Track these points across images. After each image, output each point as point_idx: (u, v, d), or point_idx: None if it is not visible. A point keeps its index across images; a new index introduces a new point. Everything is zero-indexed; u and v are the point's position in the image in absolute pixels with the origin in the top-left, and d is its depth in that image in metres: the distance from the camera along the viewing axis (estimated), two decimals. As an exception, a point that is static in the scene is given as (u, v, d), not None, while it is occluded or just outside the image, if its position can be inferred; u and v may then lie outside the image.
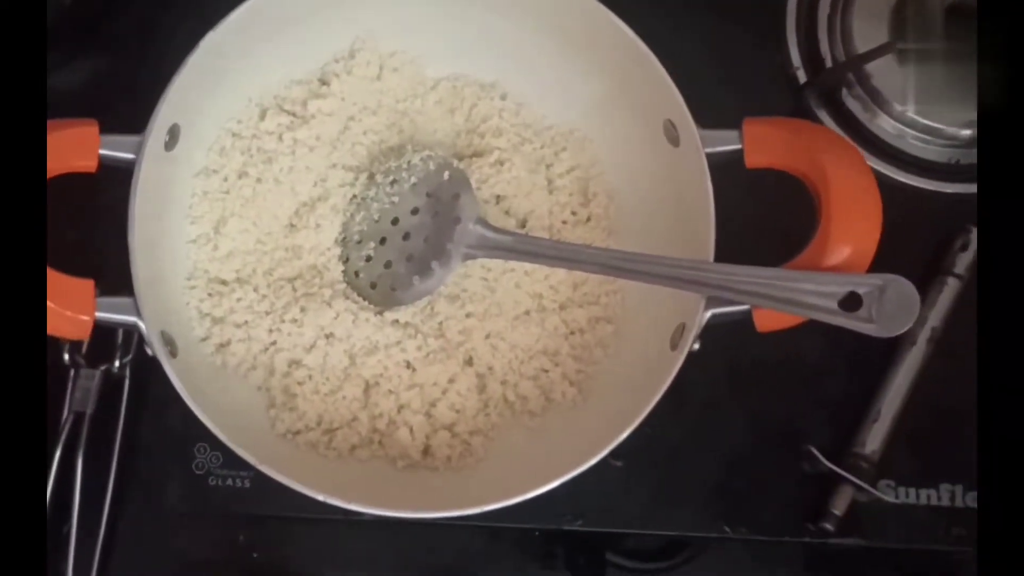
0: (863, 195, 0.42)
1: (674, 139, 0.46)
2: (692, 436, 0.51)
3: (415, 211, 0.48)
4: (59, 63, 0.55)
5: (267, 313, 0.47)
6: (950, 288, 0.52)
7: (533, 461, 0.46)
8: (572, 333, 0.49)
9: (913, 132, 0.55)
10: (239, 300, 0.47)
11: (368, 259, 0.48)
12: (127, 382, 0.51)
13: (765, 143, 0.44)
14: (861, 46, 0.55)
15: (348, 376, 0.47)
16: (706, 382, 0.51)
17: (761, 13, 0.57)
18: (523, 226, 0.50)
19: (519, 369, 0.49)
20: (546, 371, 0.49)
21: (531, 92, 0.51)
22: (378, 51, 0.51)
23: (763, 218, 0.49)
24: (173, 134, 0.45)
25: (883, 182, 0.44)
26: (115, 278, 0.43)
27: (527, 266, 0.49)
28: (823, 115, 0.55)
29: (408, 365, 0.48)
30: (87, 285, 0.42)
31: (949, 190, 0.54)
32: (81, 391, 0.50)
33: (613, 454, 0.48)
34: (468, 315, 0.48)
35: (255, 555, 0.52)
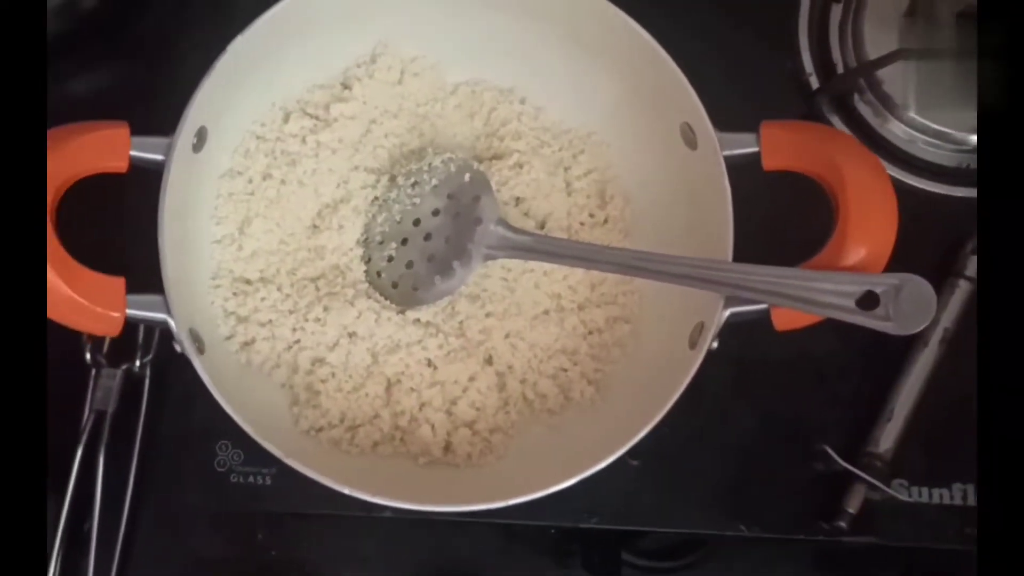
0: (880, 196, 0.43)
1: (691, 142, 0.47)
2: (707, 435, 0.52)
3: (436, 212, 0.49)
4: (82, 68, 0.56)
5: (291, 312, 0.48)
6: (961, 290, 0.53)
7: (552, 458, 0.46)
8: (590, 333, 0.50)
9: (924, 137, 0.55)
10: (263, 299, 0.48)
11: (390, 259, 0.49)
12: (147, 381, 0.52)
13: (782, 146, 0.44)
14: (872, 52, 0.55)
15: (371, 374, 0.48)
16: (721, 382, 0.51)
17: (773, 20, 0.58)
18: (542, 227, 0.50)
19: (538, 368, 0.49)
20: (565, 370, 0.49)
21: (549, 96, 0.52)
22: (399, 56, 0.51)
23: (779, 220, 0.50)
24: (201, 136, 0.45)
25: (894, 186, 0.44)
26: (142, 277, 0.43)
27: (546, 266, 0.49)
28: (835, 120, 0.56)
29: (429, 363, 0.48)
30: (118, 283, 0.43)
31: (959, 194, 0.55)
32: (102, 390, 0.51)
33: (630, 453, 0.48)
34: (488, 315, 0.49)
35: (273, 553, 0.52)
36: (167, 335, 0.51)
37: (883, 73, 0.55)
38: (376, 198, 0.50)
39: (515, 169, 0.50)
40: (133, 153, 0.43)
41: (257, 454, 0.49)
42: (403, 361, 0.48)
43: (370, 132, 0.51)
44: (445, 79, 0.52)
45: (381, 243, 0.49)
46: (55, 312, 0.41)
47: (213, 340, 0.46)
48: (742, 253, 0.44)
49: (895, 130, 0.56)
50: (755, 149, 0.44)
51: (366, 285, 0.49)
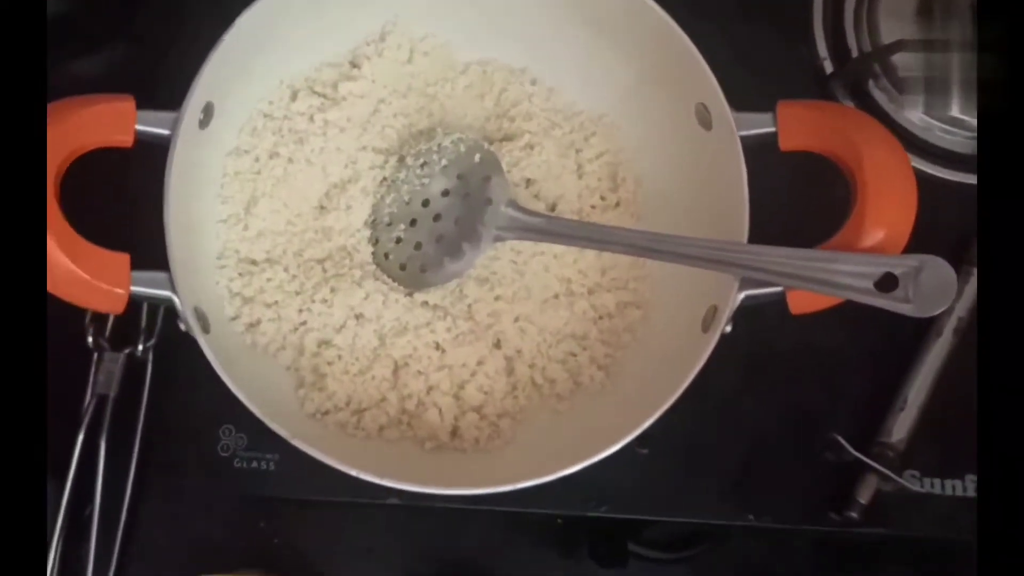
0: (898, 177, 0.42)
1: (706, 122, 0.46)
2: (717, 424, 0.51)
3: (445, 193, 0.48)
4: (90, 47, 0.55)
5: (297, 293, 0.47)
6: (976, 279, 0.52)
7: (561, 444, 0.46)
8: (600, 318, 0.49)
9: (939, 124, 0.55)
10: (269, 280, 0.47)
11: (398, 241, 0.48)
12: (150, 366, 0.51)
13: (800, 126, 0.44)
14: (887, 37, 0.55)
15: (377, 357, 0.47)
16: (732, 371, 0.50)
17: (788, 4, 0.57)
18: (552, 210, 0.50)
19: (547, 352, 0.49)
20: (574, 355, 0.49)
21: (561, 77, 0.51)
22: (409, 35, 0.51)
23: (795, 202, 0.49)
24: (207, 112, 0.45)
25: (910, 173, 0.44)
26: (146, 255, 0.43)
27: (556, 250, 0.49)
28: (849, 106, 0.55)
29: (437, 347, 0.48)
30: (123, 259, 0.42)
31: (975, 181, 0.54)
32: (105, 374, 0.51)
33: (638, 442, 0.47)
34: (497, 298, 0.48)
35: (276, 541, 0.52)
36: (170, 319, 0.51)
37: (899, 58, 0.54)
38: (385, 179, 0.50)
39: (526, 150, 0.50)
40: (139, 127, 0.43)
41: (261, 439, 0.50)
42: (411, 344, 0.47)
43: (379, 111, 0.50)
44: (455, 58, 0.52)
45: (389, 224, 0.49)
46: (58, 288, 0.41)
47: (218, 321, 0.46)
48: (756, 237, 0.44)
49: (910, 117, 0.55)
50: (772, 129, 0.44)
51: (374, 267, 0.49)
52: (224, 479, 0.50)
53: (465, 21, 0.51)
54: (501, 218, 0.46)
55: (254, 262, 0.48)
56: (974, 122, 0.54)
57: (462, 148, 0.48)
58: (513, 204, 0.47)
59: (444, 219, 0.48)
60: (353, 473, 0.41)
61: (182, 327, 0.43)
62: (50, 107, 0.41)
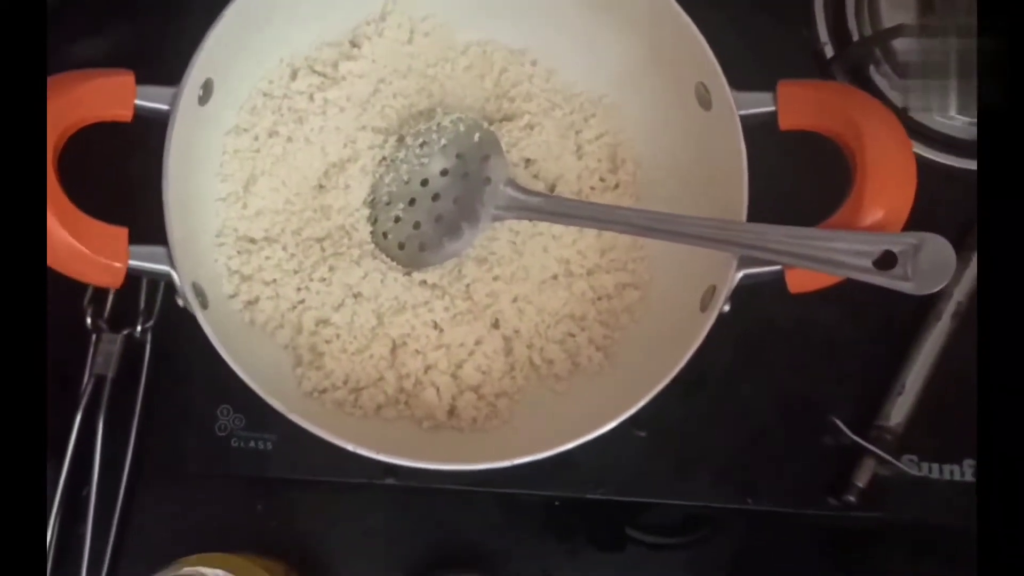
0: (898, 156, 0.42)
1: (706, 102, 0.46)
2: (715, 408, 0.51)
3: (444, 172, 0.48)
4: (89, 31, 0.55)
5: (295, 272, 0.47)
6: (975, 264, 0.52)
7: (559, 423, 0.46)
8: (599, 298, 0.49)
9: (939, 109, 0.55)
10: (267, 258, 0.47)
11: (397, 220, 0.48)
12: (149, 347, 0.51)
13: (799, 104, 0.44)
14: (888, 22, 0.55)
15: (375, 335, 0.47)
16: (730, 354, 0.51)
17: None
18: (551, 191, 0.50)
19: (545, 333, 0.48)
20: (572, 335, 0.49)
21: (561, 58, 0.51)
22: (409, 15, 0.51)
23: (794, 182, 0.49)
24: (207, 88, 0.45)
25: (909, 158, 0.44)
26: (145, 232, 0.43)
27: (555, 230, 0.49)
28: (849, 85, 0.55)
29: (435, 326, 0.48)
30: (121, 232, 0.42)
31: (974, 167, 0.54)
32: (103, 355, 0.50)
33: (636, 425, 0.48)
34: (495, 278, 0.48)
35: (273, 523, 0.51)
36: (169, 301, 0.51)
37: (900, 43, 0.54)
38: (384, 158, 0.49)
39: (525, 130, 0.50)
40: (138, 102, 0.42)
41: (259, 419, 0.50)
42: (409, 323, 0.47)
43: (379, 91, 0.50)
44: (455, 39, 0.51)
45: (388, 204, 0.49)
46: (55, 260, 0.41)
47: (216, 298, 0.46)
48: (755, 217, 0.44)
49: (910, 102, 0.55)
50: (771, 108, 0.44)
51: (372, 246, 0.49)
52: (222, 459, 0.50)
53: (465, 2, 0.51)
54: (500, 197, 0.46)
55: (253, 240, 0.48)
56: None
57: (461, 128, 0.48)
58: (512, 184, 0.47)
59: (443, 198, 0.48)
60: (350, 448, 0.41)
61: (180, 303, 0.43)
62: (49, 80, 0.41)
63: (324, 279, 0.47)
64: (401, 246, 0.48)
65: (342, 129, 0.49)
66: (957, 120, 0.55)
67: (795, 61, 0.56)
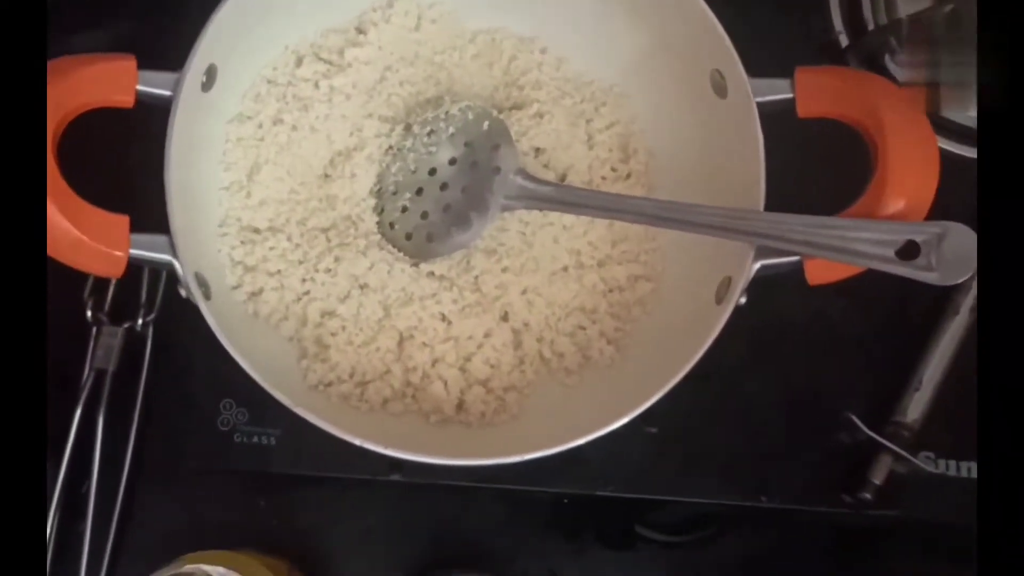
0: (921, 143, 0.41)
1: (721, 90, 0.45)
2: (728, 403, 0.50)
3: (453, 161, 0.47)
4: (91, 23, 0.54)
5: (300, 262, 0.47)
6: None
7: (569, 418, 0.45)
8: (611, 291, 0.48)
9: (956, 99, 0.54)
10: (272, 248, 0.46)
11: (404, 210, 0.47)
12: (150, 340, 0.51)
13: (818, 91, 0.43)
14: (904, 10, 0.54)
15: (382, 327, 0.46)
16: (744, 349, 0.50)
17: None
18: (562, 181, 0.49)
19: (555, 326, 0.48)
20: (583, 328, 0.48)
21: (571, 46, 0.50)
22: (416, 1, 0.50)
23: (811, 171, 0.48)
24: (210, 75, 0.44)
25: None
26: (146, 221, 0.42)
27: (565, 221, 0.48)
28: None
29: (443, 318, 0.47)
30: (122, 220, 0.41)
31: (992, 158, 0.54)
32: (103, 348, 0.50)
33: (647, 421, 0.47)
34: (504, 269, 0.47)
35: (275, 521, 0.51)
36: (171, 293, 0.50)
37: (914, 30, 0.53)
38: (390, 147, 0.49)
39: (535, 119, 0.49)
40: (140, 88, 0.42)
41: (262, 414, 0.49)
42: (416, 315, 0.46)
43: (385, 79, 0.49)
44: (463, 26, 0.51)
45: (395, 193, 0.48)
46: (55, 249, 0.40)
47: (219, 290, 0.45)
48: (772, 207, 0.43)
49: (926, 92, 0.54)
50: (789, 96, 0.43)
51: (379, 236, 0.48)
52: (224, 455, 0.49)
53: (474, -12, 0.50)
54: (510, 187, 0.46)
55: (257, 230, 0.47)
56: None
57: (470, 116, 0.47)
58: (522, 173, 0.46)
59: (451, 188, 0.47)
60: (357, 442, 0.40)
61: (183, 293, 0.42)
62: (49, 64, 0.40)
63: (330, 270, 0.46)
64: (408, 236, 0.47)
65: (348, 117, 0.48)
66: (973, 111, 0.54)
67: (809, 51, 0.55)
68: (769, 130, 0.43)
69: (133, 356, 0.50)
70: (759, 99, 0.43)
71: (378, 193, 0.48)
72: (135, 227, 0.41)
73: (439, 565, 0.50)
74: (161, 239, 0.41)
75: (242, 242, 0.47)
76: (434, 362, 0.46)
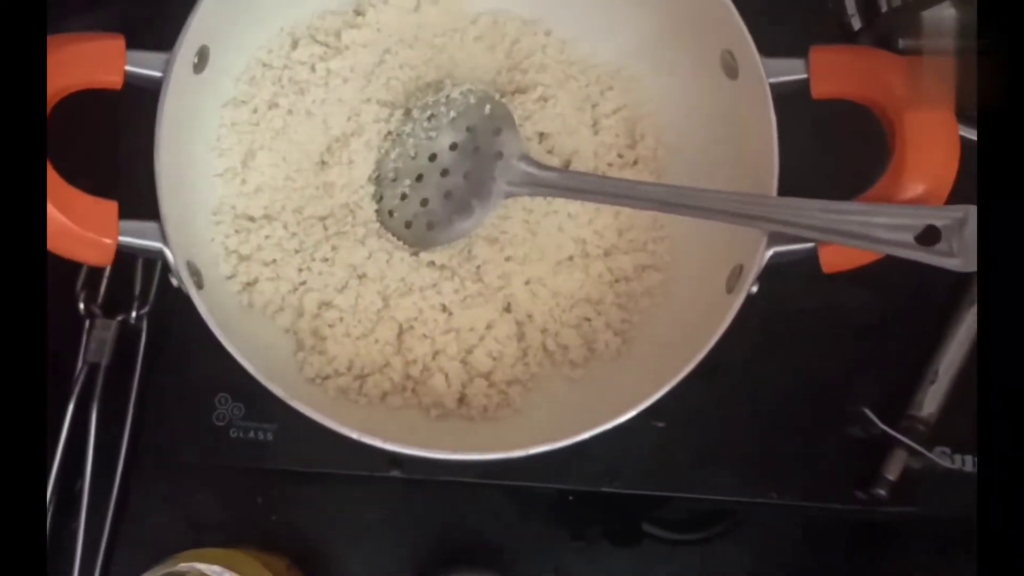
0: (940, 124, 0.40)
1: (732, 71, 0.44)
2: (737, 397, 0.49)
3: (454, 146, 0.46)
4: (79, 8, 0.53)
5: (296, 251, 0.46)
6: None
7: (573, 413, 0.44)
8: (617, 281, 0.47)
9: (972, 84, 0.53)
10: (267, 237, 0.45)
11: (403, 197, 0.46)
12: (144, 334, 0.50)
13: (833, 71, 0.42)
14: (918, -8, 0.53)
15: (381, 319, 0.45)
16: (754, 341, 0.48)
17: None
18: (567, 167, 0.48)
19: (560, 317, 0.47)
20: (588, 320, 0.47)
21: (576, 28, 0.49)
22: (416, -19, 0.49)
23: (826, 155, 0.47)
24: (202, 56, 0.43)
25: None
26: (136, 208, 0.41)
27: (571, 209, 0.47)
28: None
29: (444, 309, 0.46)
30: (110, 206, 0.40)
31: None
32: (96, 342, 0.49)
33: (655, 415, 0.46)
34: (507, 259, 0.46)
35: (273, 518, 0.50)
36: (165, 285, 0.49)
37: (929, 15, 0.52)
38: (389, 132, 0.48)
39: (539, 103, 0.48)
40: (128, 68, 0.40)
41: (258, 408, 0.48)
42: (416, 306, 0.45)
43: (384, 62, 0.48)
44: (465, 8, 0.49)
45: (394, 180, 0.47)
46: (41, 236, 0.39)
47: (213, 279, 0.44)
48: (785, 194, 0.42)
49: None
50: (803, 76, 0.42)
51: (377, 225, 0.47)
52: (220, 450, 0.48)
53: (475, -32, 0.49)
54: (513, 173, 0.44)
55: (251, 218, 0.46)
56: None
57: (472, 100, 0.46)
58: (526, 158, 0.45)
59: (452, 174, 0.46)
60: (355, 436, 0.39)
61: (174, 282, 0.41)
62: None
63: (327, 259, 0.45)
64: (408, 225, 0.46)
65: (345, 101, 0.47)
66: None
67: (821, 34, 0.54)
68: (782, 112, 0.42)
69: (127, 350, 0.49)
70: (772, 80, 0.42)
71: (377, 180, 0.47)
72: (124, 214, 0.40)
73: (440, 563, 0.49)
74: (151, 226, 0.40)
75: (236, 230, 0.46)
76: (435, 354, 0.45)
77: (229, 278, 0.45)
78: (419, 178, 0.46)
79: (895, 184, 0.40)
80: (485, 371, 0.45)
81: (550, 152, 0.48)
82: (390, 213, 0.47)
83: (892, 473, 0.48)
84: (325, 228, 0.46)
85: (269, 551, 0.47)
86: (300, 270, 0.45)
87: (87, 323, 0.49)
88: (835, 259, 0.41)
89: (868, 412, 0.48)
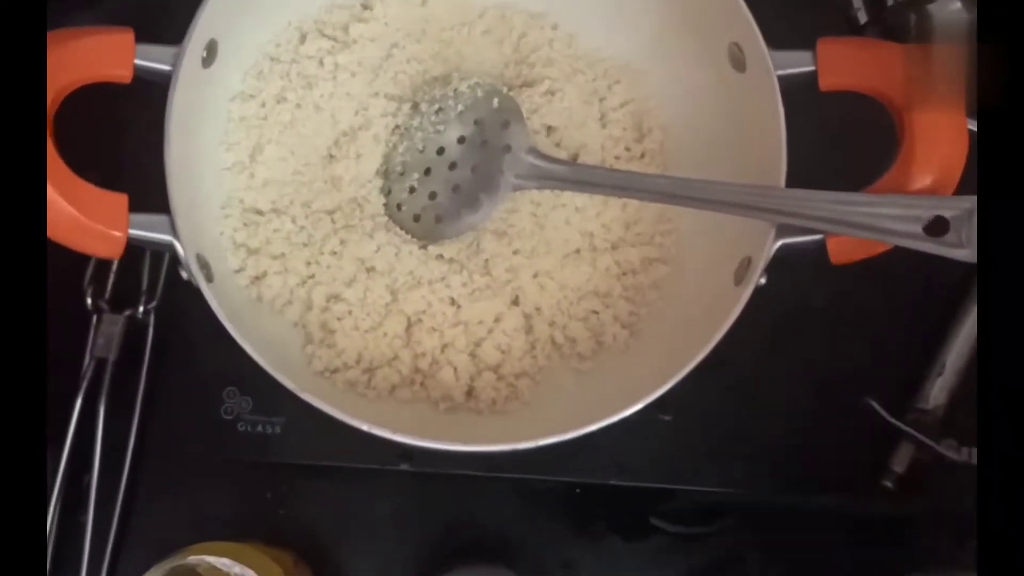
0: (948, 115, 0.40)
1: (740, 63, 0.44)
2: (744, 390, 0.49)
3: (462, 140, 0.46)
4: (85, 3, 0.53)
5: (305, 245, 0.46)
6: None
7: (582, 405, 0.44)
8: (624, 274, 0.47)
9: (979, 77, 0.53)
10: (276, 231, 0.45)
11: (411, 191, 0.46)
12: (151, 329, 0.50)
13: (841, 63, 0.42)
14: (925, -14, 0.53)
15: (389, 312, 0.45)
16: (760, 333, 0.48)
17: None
18: (574, 160, 0.48)
19: (568, 310, 0.47)
20: (596, 313, 0.47)
21: (583, 21, 0.49)
22: (423, -25, 0.49)
23: (834, 147, 0.47)
24: (211, 50, 0.43)
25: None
26: (145, 201, 0.41)
27: (578, 202, 0.47)
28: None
29: (452, 302, 0.46)
30: (120, 199, 0.40)
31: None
32: (104, 337, 0.49)
33: (662, 408, 0.46)
34: (515, 252, 0.46)
35: (281, 512, 0.50)
36: (172, 280, 0.49)
37: (935, 8, 0.52)
38: (397, 126, 0.48)
39: (547, 96, 0.48)
40: (138, 62, 0.41)
41: (267, 402, 0.48)
42: (424, 299, 0.45)
43: (391, 56, 0.48)
44: (472, 2, 0.49)
45: (402, 174, 0.47)
46: (52, 231, 0.39)
47: (222, 273, 0.44)
48: (793, 186, 0.41)
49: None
50: (811, 68, 0.42)
51: (385, 218, 0.47)
52: (228, 444, 0.48)
53: (481, -38, 0.49)
54: (521, 166, 0.44)
55: (260, 212, 0.46)
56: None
57: (479, 93, 0.46)
58: (534, 151, 0.45)
59: (460, 167, 0.46)
60: (365, 428, 0.39)
61: (184, 275, 0.41)
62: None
63: (335, 253, 0.45)
64: (416, 218, 0.46)
65: (353, 95, 0.47)
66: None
67: (826, 28, 0.53)
68: (789, 105, 0.42)
69: (134, 344, 0.49)
70: (779, 72, 0.42)
71: (385, 174, 0.47)
72: (133, 207, 0.40)
73: (449, 557, 0.49)
74: (161, 219, 0.40)
75: (245, 224, 0.46)
76: (443, 347, 0.45)
77: (238, 272, 0.45)
78: (427, 172, 0.46)
79: (903, 175, 0.40)
80: (493, 364, 0.45)
81: (558, 145, 0.48)
82: (398, 207, 0.47)
83: (899, 465, 0.48)
84: (333, 222, 0.46)
85: (276, 545, 0.46)
86: (308, 263, 0.45)
87: (94, 318, 0.49)
88: (843, 251, 0.41)
89: (875, 404, 0.48)
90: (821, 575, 0.49)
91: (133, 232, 0.40)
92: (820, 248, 0.41)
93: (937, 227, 0.38)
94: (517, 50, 0.49)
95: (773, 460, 0.49)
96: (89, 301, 0.49)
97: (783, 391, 0.50)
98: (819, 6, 0.54)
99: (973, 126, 0.51)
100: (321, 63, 0.47)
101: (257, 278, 0.45)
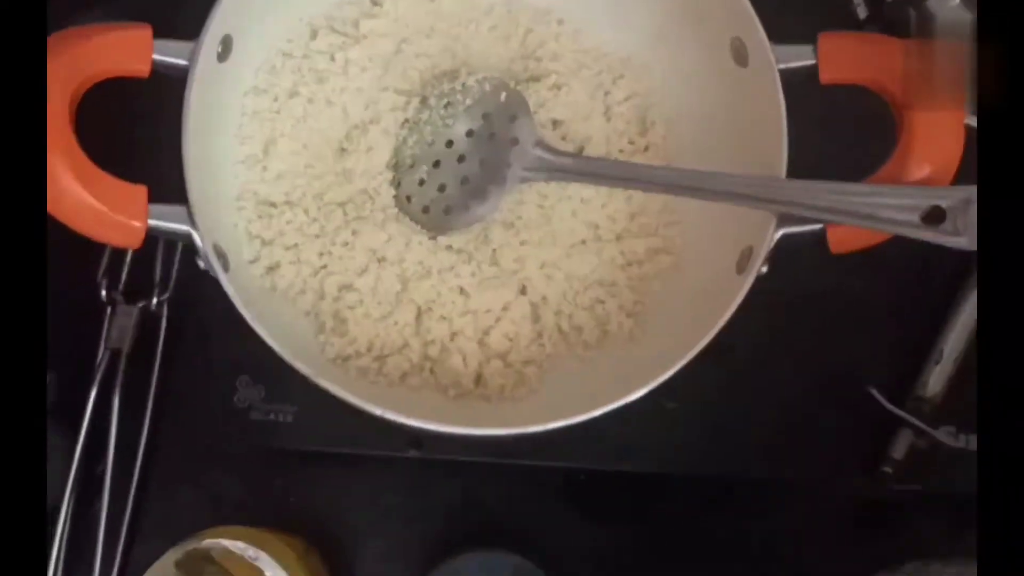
0: (946, 110, 0.41)
1: (742, 57, 0.45)
2: (746, 379, 0.50)
3: (470, 133, 0.47)
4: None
5: (317, 236, 0.46)
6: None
7: (588, 392, 0.44)
8: (629, 264, 0.48)
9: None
10: (288, 222, 0.46)
11: (421, 183, 0.47)
12: (165, 320, 0.50)
13: (842, 56, 0.42)
14: (924, -18, 0.53)
15: (400, 301, 0.46)
16: (762, 322, 0.48)
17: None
18: (580, 153, 0.48)
19: (574, 299, 0.47)
20: (602, 302, 0.47)
21: (588, 17, 0.50)
22: (431, -30, 0.49)
23: (834, 140, 0.48)
24: (226, 45, 0.44)
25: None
26: (162, 193, 0.41)
27: (584, 194, 0.47)
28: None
29: (461, 291, 0.47)
30: (140, 190, 0.41)
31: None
32: (118, 328, 0.49)
33: (666, 395, 0.46)
34: (523, 243, 0.47)
35: (292, 500, 0.50)
36: (185, 272, 0.50)
37: (935, 3, 0.53)
38: (407, 120, 0.48)
39: (553, 90, 0.48)
40: (156, 57, 0.41)
41: (279, 390, 0.49)
42: (434, 288, 0.46)
43: (401, 51, 0.49)
44: (479, -2, 0.50)
45: (412, 166, 0.47)
46: (73, 219, 0.40)
47: (237, 263, 0.44)
48: (793, 177, 0.42)
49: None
50: (812, 62, 0.43)
51: (396, 210, 0.47)
52: (240, 432, 0.49)
53: (488, -42, 0.49)
54: (528, 158, 0.45)
55: (273, 204, 0.47)
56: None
57: (487, 87, 0.47)
58: (541, 144, 0.46)
59: (469, 160, 0.47)
60: (378, 412, 0.40)
61: (201, 265, 0.42)
62: (65, 33, 0.40)
63: (347, 243, 0.46)
64: (426, 210, 0.47)
65: (364, 90, 0.48)
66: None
67: (825, 23, 0.53)
68: (791, 98, 0.43)
69: (148, 335, 0.50)
70: (781, 66, 0.42)
71: (395, 166, 0.48)
72: (152, 197, 0.41)
73: (457, 543, 0.50)
74: (179, 209, 0.41)
75: (259, 216, 0.46)
76: (452, 335, 0.46)
77: (252, 262, 0.46)
78: (436, 164, 0.47)
79: (902, 166, 0.41)
80: (502, 352, 0.46)
81: (564, 138, 0.48)
82: (408, 199, 0.47)
83: (898, 452, 0.49)
84: (345, 213, 0.47)
85: (288, 531, 0.47)
86: (321, 254, 0.46)
87: (109, 310, 0.50)
88: (843, 240, 0.41)
89: (875, 392, 0.49)
90: (822, 561, 0.50)
91: (152, 222, 0.40)
92: (820, 237, 0.42)
93: (934, 216, 0.39)
94: (524, 45, 0.50)
95: (774, 447, 0.50)
96: (103, 293, 0.50)
97: (785, 379, 0.50)
98: (820, 1, 0.54)
99: (970, 120, 0.53)
100: (332, 58, 0.48)
101: (271, 268, 0.46)
